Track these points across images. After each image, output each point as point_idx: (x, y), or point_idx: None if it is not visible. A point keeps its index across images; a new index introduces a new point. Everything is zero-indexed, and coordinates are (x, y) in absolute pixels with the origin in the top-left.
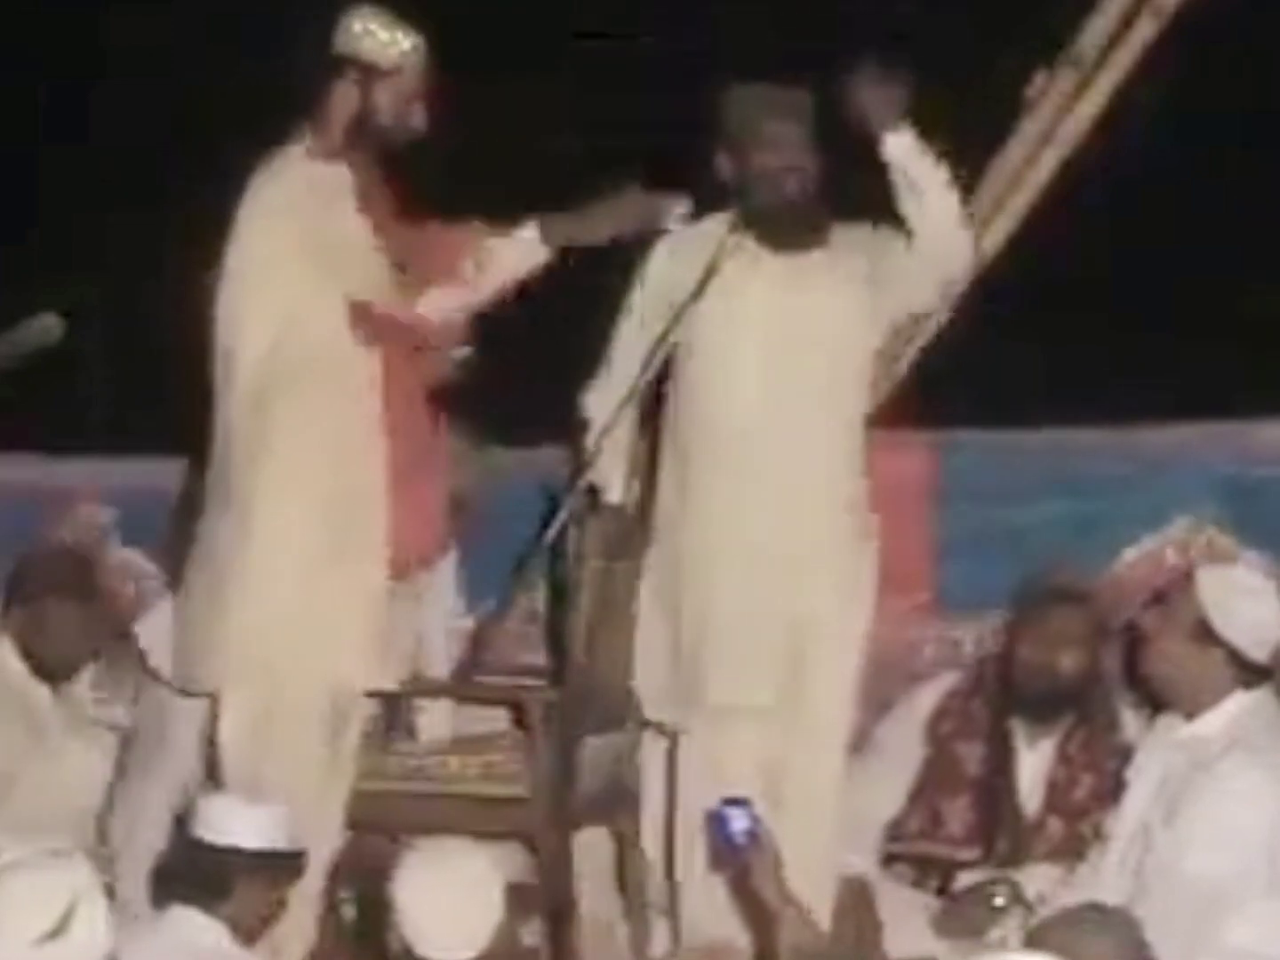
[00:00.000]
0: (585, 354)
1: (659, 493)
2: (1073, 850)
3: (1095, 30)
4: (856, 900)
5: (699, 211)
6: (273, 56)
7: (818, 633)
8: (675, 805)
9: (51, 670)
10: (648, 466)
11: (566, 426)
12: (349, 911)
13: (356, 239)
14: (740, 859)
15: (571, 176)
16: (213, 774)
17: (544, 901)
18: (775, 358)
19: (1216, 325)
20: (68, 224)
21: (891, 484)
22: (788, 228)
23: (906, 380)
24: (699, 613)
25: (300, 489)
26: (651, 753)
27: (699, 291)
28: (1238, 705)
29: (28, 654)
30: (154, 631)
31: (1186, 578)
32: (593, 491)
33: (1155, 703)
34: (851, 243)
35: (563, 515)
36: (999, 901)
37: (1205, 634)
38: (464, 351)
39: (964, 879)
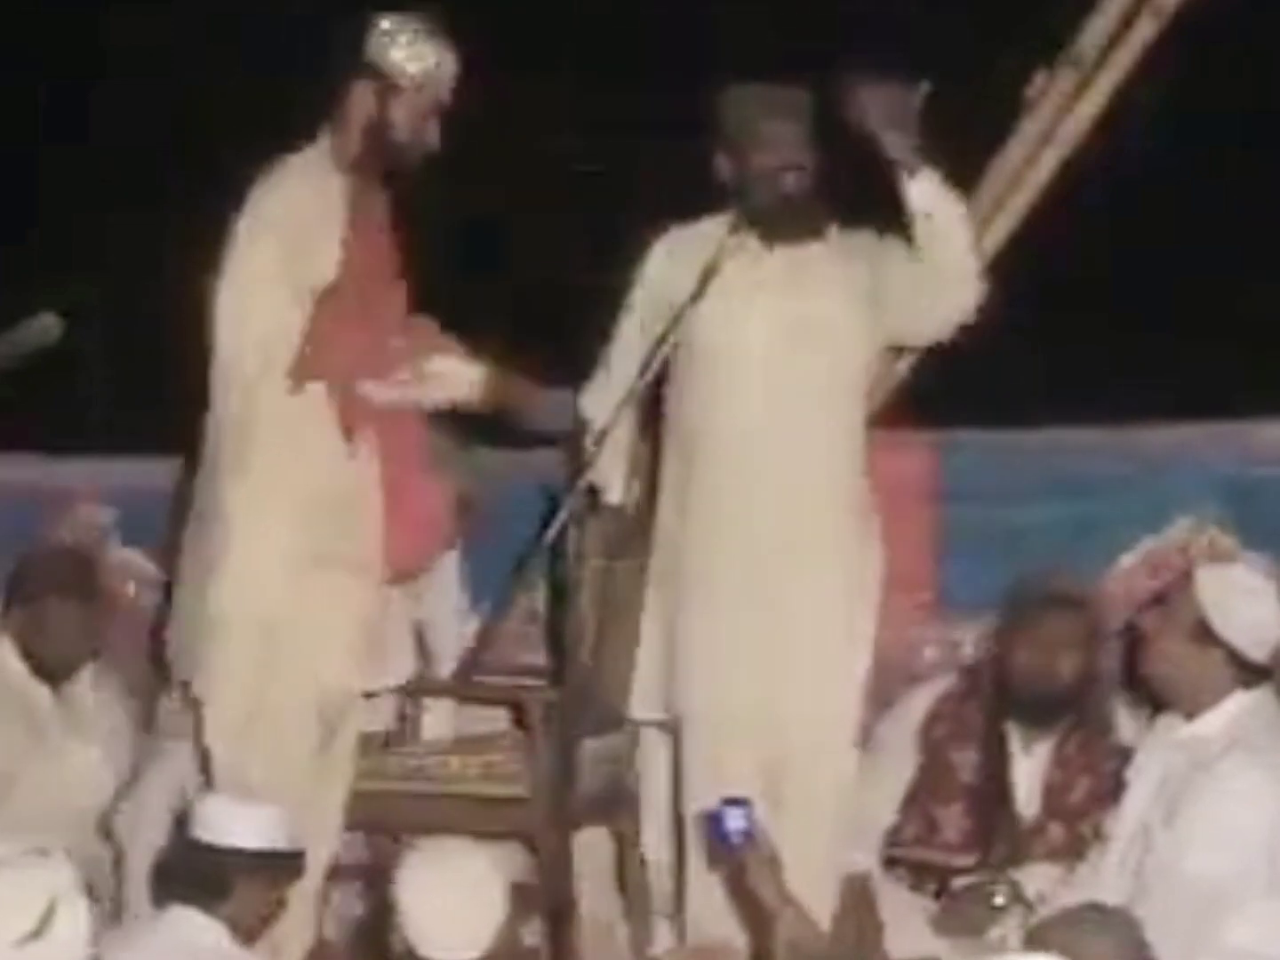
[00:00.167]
0: (585, 354)
1: (660, 494)
2: (1074, 853)
3: (1095, 30)
4: (857, 900)
5: (699, 212)
6: (273, 57)
7: (824, 634)
8: (678, 805)
9: (51, 670)
10: (649, 467)
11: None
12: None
13: (323, 271)
14: (736, 859)
15: (572, 176)
16: (206, 773)
17: (544, 901)
18: (776, 359)
19: (1216, 325)
20: (68, 224)
21: (892, 484)
22: (787, 227)
23: (907, 380)
24: (701, 613)
25: (280, 499)
26: (652, 753)
27: (699, 292)
28: (1238, 705)
29: (28, 654)
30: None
31: (1186, 578)
32: (593, 491)
33: (1155, 703)
34: (852, 248)
35: (562, 515)
36: (999, 901)
37: (1205, 634)
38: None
39: (961, 883)
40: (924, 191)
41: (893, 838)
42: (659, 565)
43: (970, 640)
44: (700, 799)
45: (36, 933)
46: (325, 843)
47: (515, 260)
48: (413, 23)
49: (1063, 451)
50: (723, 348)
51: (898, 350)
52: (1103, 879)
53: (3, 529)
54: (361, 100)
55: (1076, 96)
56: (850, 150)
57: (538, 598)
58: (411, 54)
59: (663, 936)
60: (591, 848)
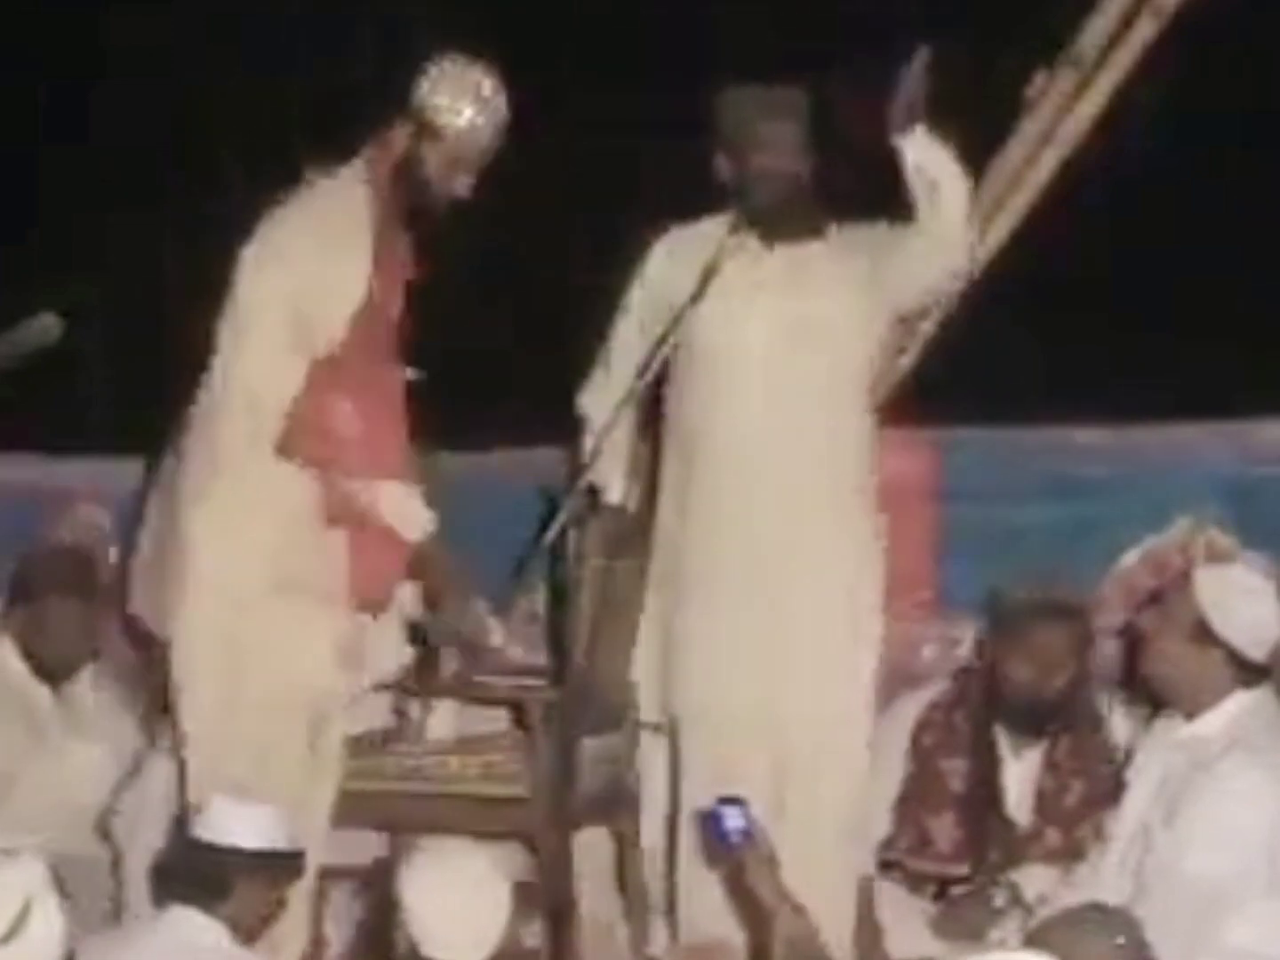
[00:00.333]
0: (585, 354)
1: (660, 494)
2: (1071, 856)
3: (1095, 30)
4: (858, 900)
5: (699, 212)
6: (273, 57)
7: (825, 635)
8: (677, 805)
9: (52, 670)
10: (649, 467)
11: (564, 427)
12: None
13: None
14: (734, 857)
15: (572, 176)
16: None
17: (544, 901)
18: (776, 359)
19: (1216, 325)
20: (68, 224)
21: (893, 482)
22: (787, 226)
23: (908, 378)
24: (701, 614)
25: (240, 536)
26: (652, 753)
27: (699, 292)
28: (1237, 705)
29: (28, 654)
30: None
31: (1184, 578)
32: (593, 492)
33: (1155, 703)
34: (852, 244)
35: (562, 516)
36: (998, 903)
37: (1204, 634)
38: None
39: (959, 890)
40: (915, 144)
41: (887, 847)
42: (659, 566)
43: (970, 639)
44: (702, 799)
45: (10, 935)
46: (316, 842)
47: (515, 260)
48: (469, 74)
49: (1063, 451)
50: (723, 348)
51: (900, 347)
52: (1102, 879)
53: (3, 529)
54: (399, 135)
55: (1076, 96)
56: (850, 151)
57: (538, 599)
58: (452, 107)
59: (660, 935)
60: (591, 848)
